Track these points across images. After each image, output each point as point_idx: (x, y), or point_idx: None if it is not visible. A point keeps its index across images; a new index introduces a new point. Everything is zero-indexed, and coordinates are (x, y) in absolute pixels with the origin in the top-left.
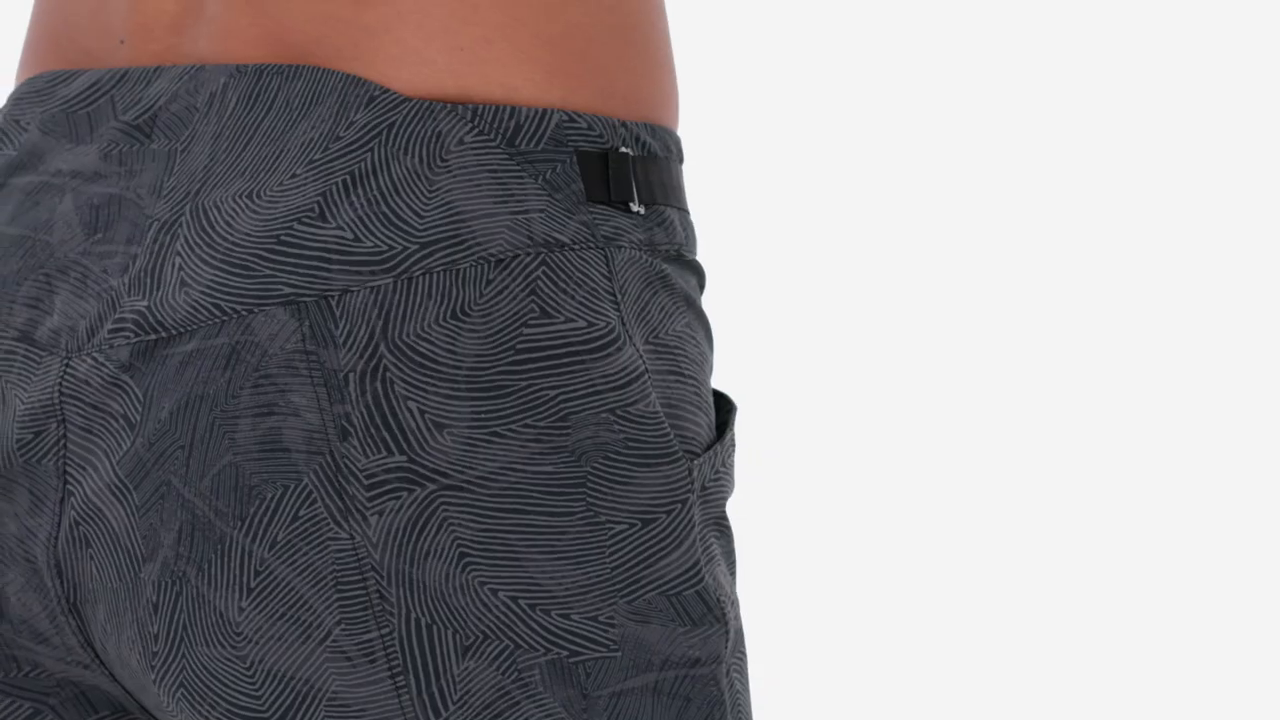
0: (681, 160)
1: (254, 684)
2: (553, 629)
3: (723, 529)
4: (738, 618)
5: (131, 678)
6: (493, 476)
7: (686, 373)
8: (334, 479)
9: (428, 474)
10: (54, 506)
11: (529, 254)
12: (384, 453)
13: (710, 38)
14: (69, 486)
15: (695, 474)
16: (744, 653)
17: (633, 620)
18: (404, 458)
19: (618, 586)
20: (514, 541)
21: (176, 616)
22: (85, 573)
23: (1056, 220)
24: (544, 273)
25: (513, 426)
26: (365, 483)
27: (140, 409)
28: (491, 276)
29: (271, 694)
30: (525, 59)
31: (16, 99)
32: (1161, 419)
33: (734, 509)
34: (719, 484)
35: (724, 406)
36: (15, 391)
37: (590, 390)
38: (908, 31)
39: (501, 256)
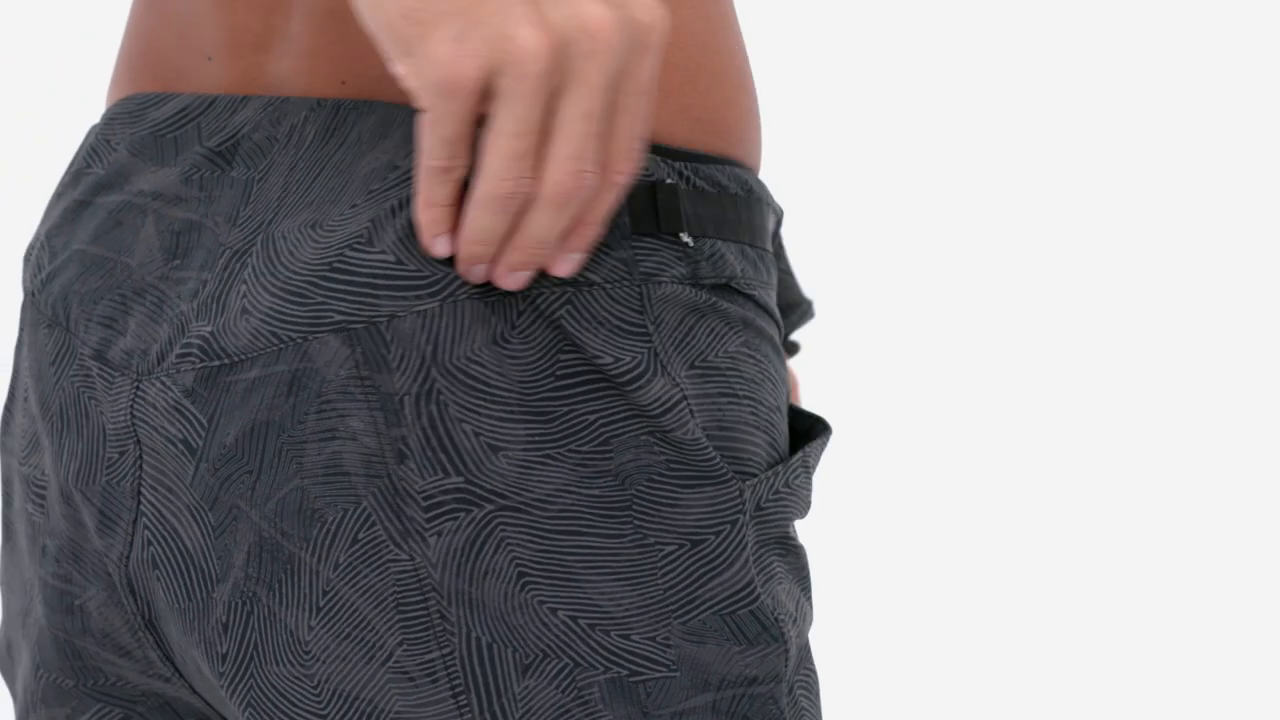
0: (759, 198)
1: (321, 703)
2: (612, 649)
3: (787, 548)
4: (801, 635)
5: (210, 691)
6: (549, 499)
7: (741, 393)
8: (392, 501)
9: (485, 495)
10: (127, 527)
11: (552, 292)
12: (441, 474)
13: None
14: (141, 508)
15: (748, 495)
16: (811, 669)
17: (688, 641)
18: (461, 479)
19: (671, 607)
20: (571, 562)
21: (248, 635)
22: (154, 592)
23: (1052, 222)
24: (568, 311)
25: (562, 450)
26: (423, 504)
27: (202, 434)
28: (522, 308)
29: (337, 713)
30: None
31: (109, 118)
32: (1191, 426)
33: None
34: (780, 504)
35: (813, 427)
36: (100, 408)
37: (628, 414)
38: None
39: (526, 291)
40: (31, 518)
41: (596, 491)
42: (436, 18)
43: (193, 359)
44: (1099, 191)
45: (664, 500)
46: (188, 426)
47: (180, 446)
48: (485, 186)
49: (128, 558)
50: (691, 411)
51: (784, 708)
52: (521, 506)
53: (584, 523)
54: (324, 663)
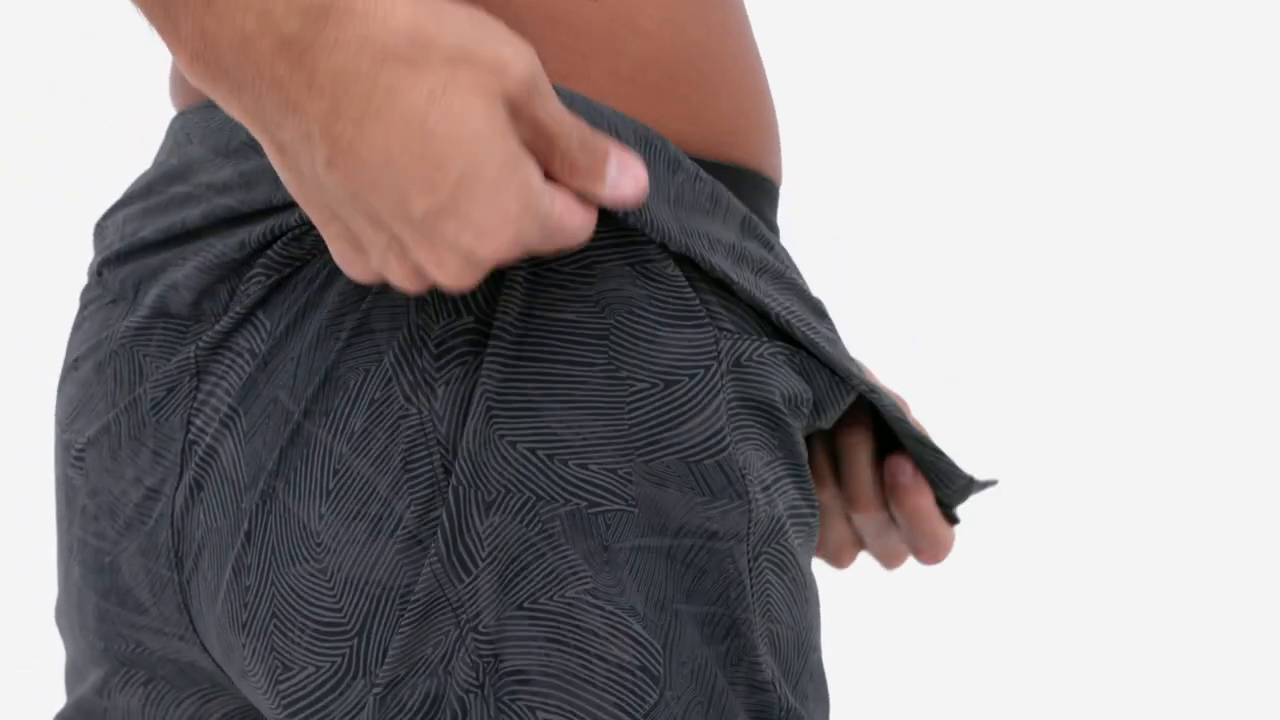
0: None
1: (334, 596)
2: (570, 479)
3: (773, 420)
4: (774, 505)
5: (220, 640)
6: (513, 323)
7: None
8: (408, 352)
9: (492, 333)
10: (175, 458)
11: None
12: (455, 316)
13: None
14: (190, 436)
15: (724, 345)
16: (785, 549)
17: (649, 481)
18: (471, 319)
19: (636, 444)
20: (530, 390)
21: (267, 539)
22: (194, 520)
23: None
24: None
25: (543, 268)
26: (434, 350)
27: (265, 338)
28: None
29: (350, 604)
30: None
31: (185, 113)
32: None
33: None
34: (762, 368)
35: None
36: (154, 363)
37: (615, 242)
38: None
39: None
40: (71, 482)
41: (571, 315)
42: (323, 226)
43: (259, 278)
44: (1103, 198)
45: (642, 335)
46: (255, 336)
47: (246, 356)
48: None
49: (177, 487)
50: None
51: (742, 569)
52: (496, 333)
53: (551, 349)
54: (334, 552)
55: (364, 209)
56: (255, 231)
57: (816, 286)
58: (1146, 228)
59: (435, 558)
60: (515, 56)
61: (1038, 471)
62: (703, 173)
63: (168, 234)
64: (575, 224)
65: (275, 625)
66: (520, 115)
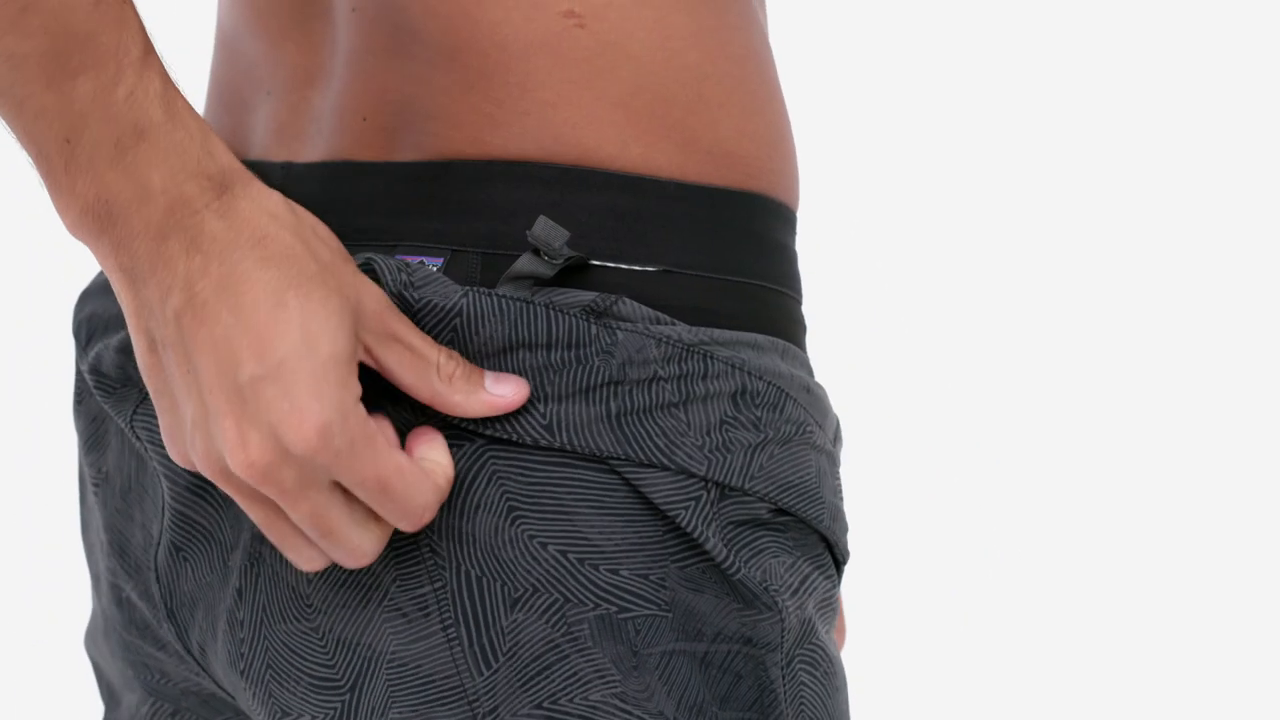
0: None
1: (327, 654)
2: (601, 584)
3: (777, 524)
4: (804, 608)
5: (226, 678)
6: (541, 431)
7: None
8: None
9: (476, 428)
10: (158, 514)
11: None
12: (424, 412)
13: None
14: (165, 497)
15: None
16: (818, 645)
17: (684, 586)
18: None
19: (670, 549)
20: (562, 495)
21: (257, 598)
22: (182, 576)
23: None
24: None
25: (546, 400)
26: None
27: None
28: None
29: (343, 662)
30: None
31: None
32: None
33: None
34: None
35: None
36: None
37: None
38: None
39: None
40: (91, 509)
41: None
42: (156, 398)
43: None
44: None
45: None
46: None
47: None
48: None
49: (159, 544)
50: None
51: (775, 678)
52: (513, 439)
53: (579, 457)
54: (324, 613)
55: (192, 371)
56: None
57: (815, 289)
58: (1144, 229)
59: (456, 644)
60: (373, 289)
61: (1036, 471)
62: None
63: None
64: (398, 461)
65: (271, 675)
66: (375, 333)
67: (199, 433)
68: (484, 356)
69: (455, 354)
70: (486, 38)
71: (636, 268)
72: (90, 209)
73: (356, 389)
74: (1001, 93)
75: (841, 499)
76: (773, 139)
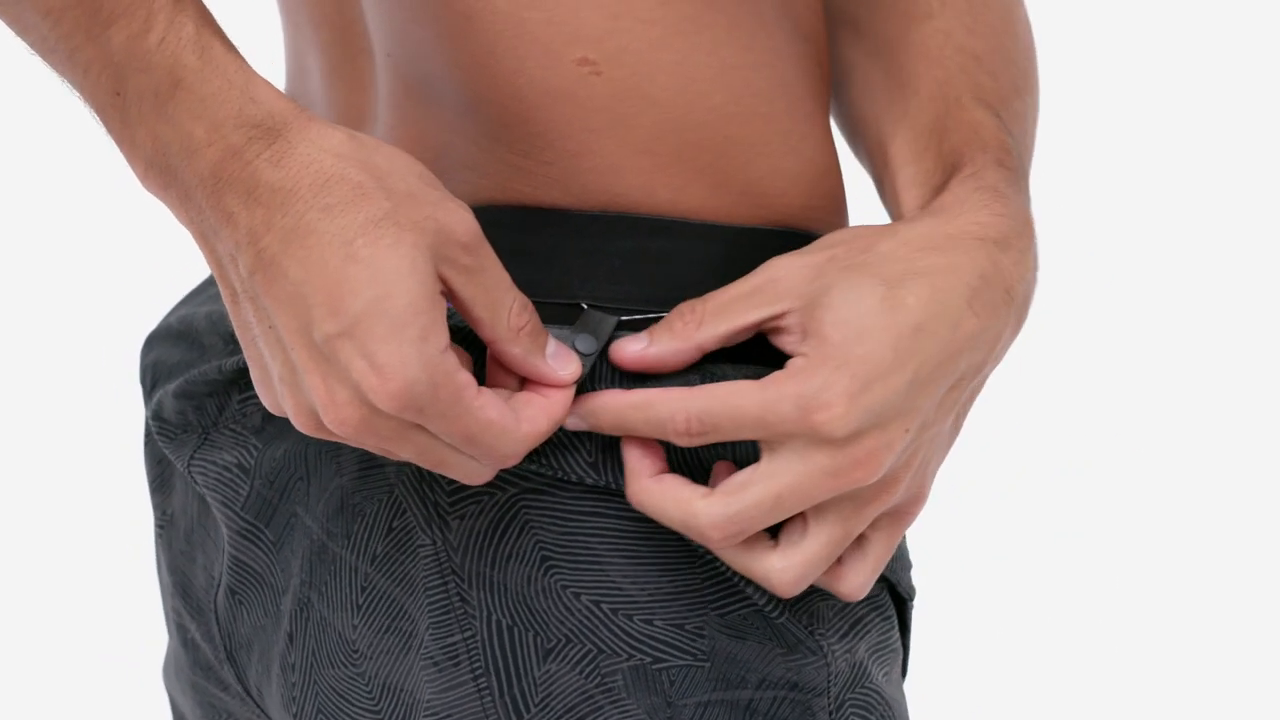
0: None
1: (373, 699)
2: (634, 634)
3: None
4: (849, 652)
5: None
6: (575, 481)
7: None
8: (419, 487)
9: (511, 477)
10: (219, 556)
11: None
12: None
13: None
14: (224, 539)
15: None
16: (872, 689)
17: (726, 633)
18: None
19: (708, 598)
20: (595, 545)
21: (306, 643)
22: (239, 619)
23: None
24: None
25: (594, 436)
26: (447, 488)
27: (255, 455)
28: None
29: (389, 707)
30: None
31: None
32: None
33: None
34: None
35: None
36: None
37: None
38: None
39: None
40: (158, 548)
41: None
42: (246, 349)
43: (256, 400)
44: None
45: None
46: (243, 452)
47: (235, 471)
48: None
49: (218, 587)
50: None
51: None
52: (545, 489)
53: (613, 506)
54: (370, 659)
55: (273, 328)
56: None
57: None
58: (1143, 228)
59: (487, 694)
60: (459, 215)
61: (1036, 470)
62: None
63: (185, 321)
64: (487, 416)
65: (322, 718)
66: (456, 264)
67: (287, 388)
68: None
69: (531, 307)
70: (504, 89)
71: (664, 313)
72: (153, 162)
73: (441, 338)
74: None
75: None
76: (812, 175)
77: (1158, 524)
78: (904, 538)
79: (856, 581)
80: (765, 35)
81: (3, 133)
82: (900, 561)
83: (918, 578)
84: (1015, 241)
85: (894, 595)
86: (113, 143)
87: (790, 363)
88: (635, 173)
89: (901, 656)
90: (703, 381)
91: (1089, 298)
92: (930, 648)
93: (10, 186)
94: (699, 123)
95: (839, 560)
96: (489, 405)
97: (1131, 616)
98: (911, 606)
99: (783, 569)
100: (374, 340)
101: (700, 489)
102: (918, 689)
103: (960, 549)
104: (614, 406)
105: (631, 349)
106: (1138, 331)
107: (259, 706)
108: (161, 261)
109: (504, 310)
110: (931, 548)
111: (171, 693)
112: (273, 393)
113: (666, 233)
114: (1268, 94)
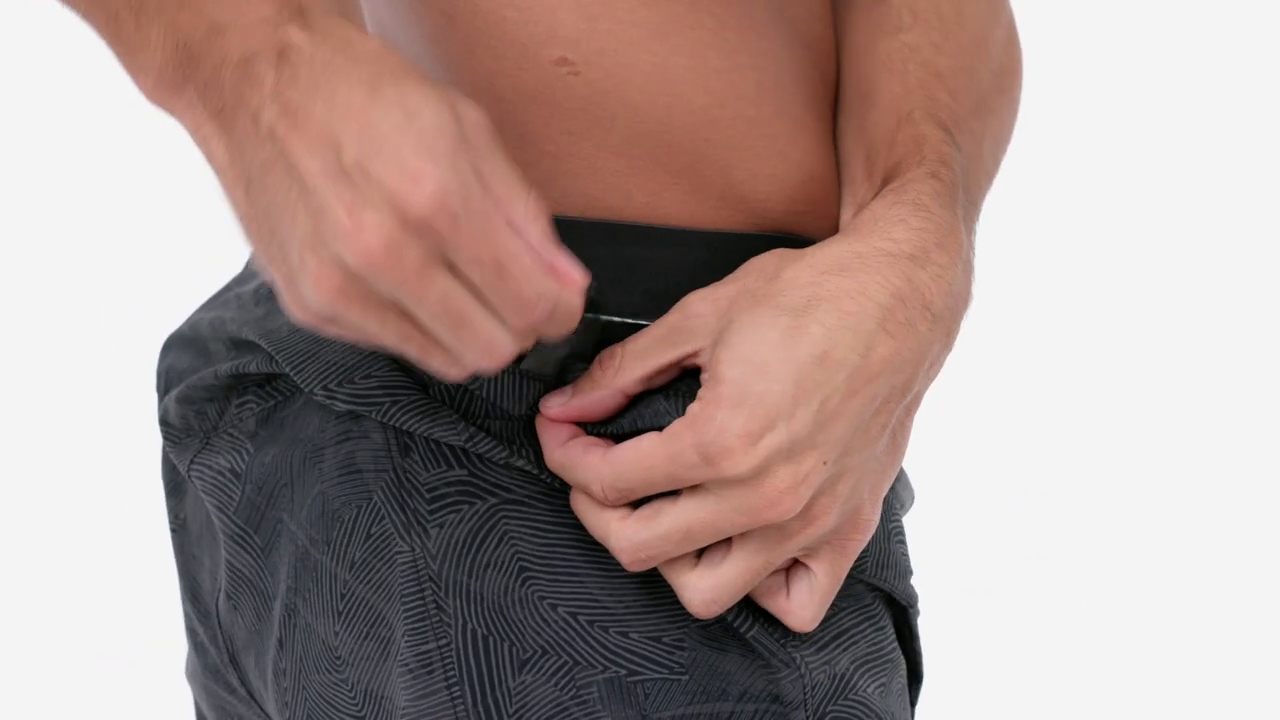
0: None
1: (356, 705)
2: (610, 646)
3: None
4: (829, 664)
5: None
6: (555, 493)
7: None
8: (398, 494)
9: (490, 488)
10: (221, 560)
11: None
12: (444, 467)
13: None
14: (221, 550)
15: None
16: (859, 702)
17: (708, 645)
18: (464, 471)
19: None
20: (573, 556)
21: (294, 649)
22: (236, 623)
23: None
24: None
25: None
26: (427, 496)
27: (247, 459)
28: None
29: (371, 713)
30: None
31: None
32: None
33: None
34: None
35: None
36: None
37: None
38: None
39: None
40: (173, 550)
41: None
42: (264, 247)
43: (251, 404)
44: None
45: None
46: (236, 456)
47: (229, 476)
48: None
49: (218, 592)
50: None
51: None
52: (525, 500)
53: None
54: (352, 665)
55: (294, 183)
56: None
57: None
58: (1145, 229)
59: (460, 702)
60: (471, 103)
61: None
62: None
63: (196, 328)
64: (517, 243)
65: None
66: (473, 142)
67: (309, 251)
68: (511, 429)
69: (544, 211)
70: (484, 90)
71: (643, 322)
72: (170, 59)
73: (470, 159)
74: None
75: (900, 541)
76: (800, 177)
77: (1162, 528)
78: (904, 544)
79: (805, 615)
80: (756, 38)
81: (33, 139)
82: (895, 569)
83: (930, 587)
84: (935, 255)
85: (892, 604)
86: (118, 62)
87: (690, 408)
88: (611, 176)
89: (905, 665)
90: (633, 412)
91: (1091, 302)
92: (939, 654)
93: (43, 191)
94: (677, 126)
95: (787, 593)
96: (516, 236)
97: (1131, 617)
98: (915, 613)
99: (695, 589)
100: (404, 149)
101: (619, 511)
102: (923, 692)
103: (972, 556)
104: (550, 459)
105: (554, 402)
106: (1152, 339)
107: (262, 710)
108: (190, 268)
109: (523, 191)
110: (946, 556)
111: (194, 693)
112: (297, 291)
113: (646, 239)
114: (1260, 98)
